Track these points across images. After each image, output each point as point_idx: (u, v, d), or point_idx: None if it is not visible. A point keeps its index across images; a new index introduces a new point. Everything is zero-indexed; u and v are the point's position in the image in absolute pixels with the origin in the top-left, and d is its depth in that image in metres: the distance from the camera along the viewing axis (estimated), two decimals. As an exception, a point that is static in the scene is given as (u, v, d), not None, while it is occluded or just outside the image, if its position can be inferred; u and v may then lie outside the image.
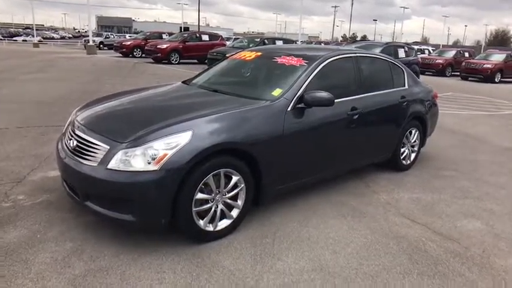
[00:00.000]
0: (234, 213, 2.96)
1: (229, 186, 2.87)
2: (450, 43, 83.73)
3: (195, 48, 19.49)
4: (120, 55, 22.54)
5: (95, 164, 2.62)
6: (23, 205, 3.30)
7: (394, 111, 4.30)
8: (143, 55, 21.89)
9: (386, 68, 4.43)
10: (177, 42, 19.21)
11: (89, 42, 25.64)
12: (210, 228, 2.83)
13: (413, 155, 4.81)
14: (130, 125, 2.81)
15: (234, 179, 2.87)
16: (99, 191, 2.63)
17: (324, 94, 3.22)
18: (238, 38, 19.90)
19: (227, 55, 4.46)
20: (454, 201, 3.91)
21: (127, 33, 63.27)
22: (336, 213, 3.49)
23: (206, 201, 2.77)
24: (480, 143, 6.44)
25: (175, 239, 2.84)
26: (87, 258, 2.60)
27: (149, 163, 2.51)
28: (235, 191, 2.91)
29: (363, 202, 3.77)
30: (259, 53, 4.08)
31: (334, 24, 74.33)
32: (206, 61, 15.99)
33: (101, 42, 34.16)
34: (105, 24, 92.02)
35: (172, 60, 18.78)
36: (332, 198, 3.78)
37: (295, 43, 17.97)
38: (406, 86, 4.60)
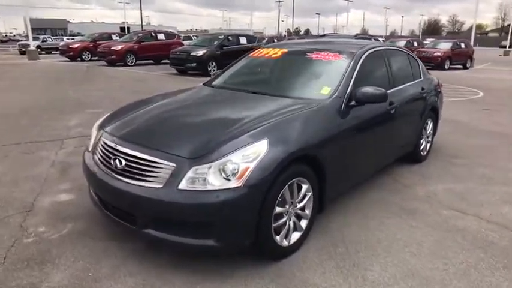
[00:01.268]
0: (303, 224, 2.75)
1: (300, 195, 2.65)
2: (388, 33, 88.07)
3: (151, 48, 18.67)
4: (67, 59, 21.02)
5: (160, 186, 2.27)
6: (50, 239, 2.84)
7: (418, 103, 4.30)
8: (93, 58, 20.61)
9: (406, 60, 4.41)
10: (132, 43, 18.25)
11: (28, 46, 23.62)
12: (285, 243, 2.59)
13: (428, 146, 4.86)
14: (192, 137, 2.48)
15: (304, 187, 2.65)
16: (169, 216, 2.29)
17: (375, 90, 3.08)
18: (198, 36, 19.22)
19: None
20: (485, 189, 3.97)
21: (62, 35, 59.27)
22: (386, 212, 3.39)
23: (281, 214, 2.53)
24: (469, 129, 6.71)
25: (243, 259, 2.57)
26: (160, 293, 2.26)
27: (228, 179, 2.22)
28: (305, 201, 2.69)
29: (404, 198, 3.70)
30: (284, 50, 3.86)
31: (279, 19, 75.08)
32: (169, 61, 15.32)
33: (38, 46, 31.60)
34: (37, 27, 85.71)
35: (128, 61, 17.83)
36: (370, 197, 3.68)
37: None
38: (422, 78, 4.62)
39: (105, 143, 2.69)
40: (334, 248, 2.77)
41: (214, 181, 2.22)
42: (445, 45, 20.29)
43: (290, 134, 2.55)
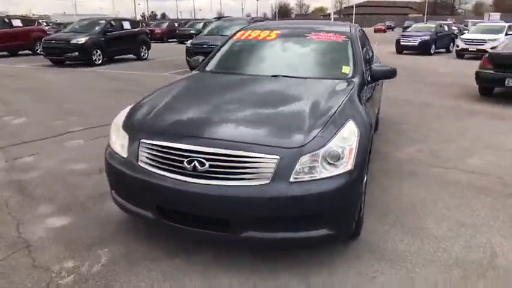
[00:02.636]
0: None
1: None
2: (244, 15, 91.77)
3: (6, 37, 15.64)
4: None
5: (266, 182, 2.07)
6: (94, 272, 2.31)
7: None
8: None
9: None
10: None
11: None
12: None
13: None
14: (280, 126, 2.32)
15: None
16: (278, 213, 2.11)
17: (384, 67, 3.32)
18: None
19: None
20: (445, 147, 4.66)
21: None
22: (395, 179, 3.73)
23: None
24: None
25: (317, 249, 2.53)
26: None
27: (336, 164, 2.16)
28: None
29: (396, 163, 4.11)
30: (278, 32, 3.77)
31: (135, 3, 70.69)
32: (41, 51, 13.18)
33: None
34: None
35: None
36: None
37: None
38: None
39: (164, 146, 2.26)
40: (386, 219, 2.95)
41: (325, 168, 2.13)
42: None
43: (361, 112, 2.59)
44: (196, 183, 2.13)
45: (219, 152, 2.14)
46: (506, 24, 16.98)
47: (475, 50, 15.43)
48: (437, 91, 8.44)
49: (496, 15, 56.11)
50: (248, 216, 2.13)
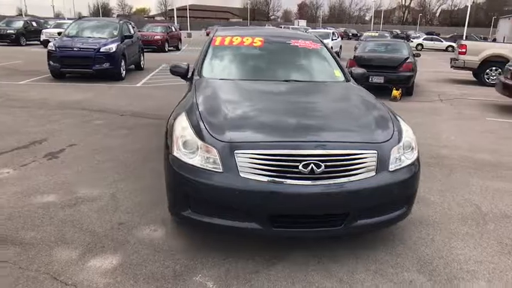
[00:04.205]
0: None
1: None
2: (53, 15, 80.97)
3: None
4: None
5: (373, 174, 2.38)
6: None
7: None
8: None
9: None
10: None
11: None
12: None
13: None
14: (361, 125, 2.66)
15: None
16: (380, 199, 2.45)
17: (361, 70, 3.96)
18: None
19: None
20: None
21: None
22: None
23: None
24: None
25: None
26: None
27: (411, 153, 2.62)
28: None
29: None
30: (261, 38, 3.92)
31: None
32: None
33: None
34: None
35: None
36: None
37: None
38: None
39: (273, 154, 2.28)
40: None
41: (406, 157, 2.57)
42: (160, 29, 21.94)
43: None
44: (316, 184, 2.27)
45: (333, 153, 2.33)
46: (331, 31, 20.57)
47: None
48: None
49: (303, 22, 66.76)
50: (363, 206, 2.40)
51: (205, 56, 3.80)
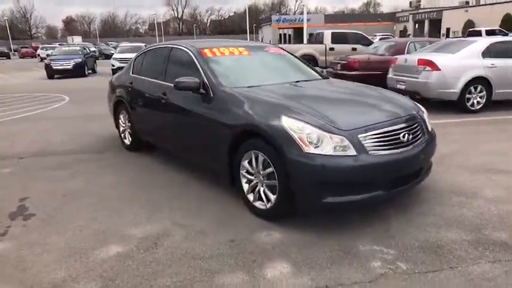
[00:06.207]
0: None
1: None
2: None
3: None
4: None
5: (427, 136, 3.32)
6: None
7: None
8: None
9: None
10: None
11: None
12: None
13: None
14: (392, 104, 3.40)
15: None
16: (432, 153, 3.45)
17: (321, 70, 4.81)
18: None
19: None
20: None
21: None
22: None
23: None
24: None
25: None
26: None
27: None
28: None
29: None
30: (243, 48, 4.21)
31: None
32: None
33: None
34: None
35: None
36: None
37: None
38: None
39: (385, 131, 2.93)
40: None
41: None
42: None
43: None
44: (414, 147, 3.06)
45: (412, 123, 3.16)
46: (143, 44, 20.37)
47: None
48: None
49: (78, 38, 61.97)
50: (429, 158, 3.35)
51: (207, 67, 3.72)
